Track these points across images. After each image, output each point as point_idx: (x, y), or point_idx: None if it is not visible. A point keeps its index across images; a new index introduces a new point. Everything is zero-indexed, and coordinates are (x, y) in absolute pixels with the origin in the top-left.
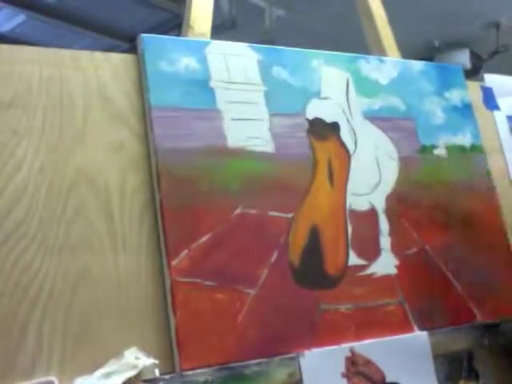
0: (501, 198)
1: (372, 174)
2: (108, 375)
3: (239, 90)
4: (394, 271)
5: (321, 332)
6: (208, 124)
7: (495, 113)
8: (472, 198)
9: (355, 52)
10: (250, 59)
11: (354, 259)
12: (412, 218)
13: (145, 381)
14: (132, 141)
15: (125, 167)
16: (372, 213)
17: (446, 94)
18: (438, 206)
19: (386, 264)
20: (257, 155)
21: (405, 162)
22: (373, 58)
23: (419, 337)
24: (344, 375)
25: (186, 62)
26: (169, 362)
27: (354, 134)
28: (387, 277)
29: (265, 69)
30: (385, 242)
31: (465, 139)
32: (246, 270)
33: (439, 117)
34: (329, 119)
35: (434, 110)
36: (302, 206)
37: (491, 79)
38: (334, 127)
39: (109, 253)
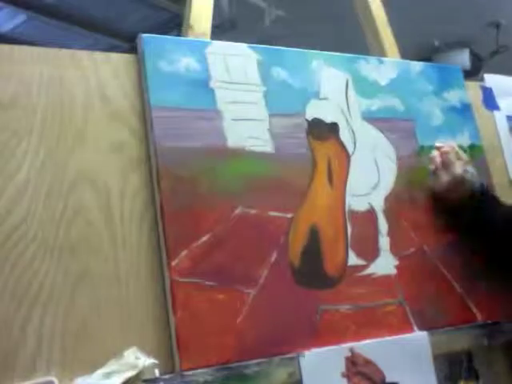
0: (500, 197)
1: (371, 174)
2: (108, 375)
3: (239, 91)
4: (393, 271)
5: (321, 332)
6: (208, 124)
7: (495, 113)
8: None
9: (354, 53)
10: (250, 59)
11: (353, 259)
12: (410, 218)
13: (145, 381)
14: (132, 141)
15: (125, 167)
16: (371, 213)
17: (445, 95)
18: (436, 206)
19: (385, 264)
20: (257, 155)
21: (403, 163)
22: (372, 59)
23: (419, 337)
24: (344, 375)
25: (186, 62)
26: (169, 362)
27: (353, 134)
28: (386, 277)
29: (264, 69)
30: (384, 242)
31: (464, 140)
32: (245, 270)
33: (438, 117)
34: (328, 120)
35: (433, 110)
36: (302, 206)
37: (491, 79)
38: (334, 128)
39: (109, 253)
